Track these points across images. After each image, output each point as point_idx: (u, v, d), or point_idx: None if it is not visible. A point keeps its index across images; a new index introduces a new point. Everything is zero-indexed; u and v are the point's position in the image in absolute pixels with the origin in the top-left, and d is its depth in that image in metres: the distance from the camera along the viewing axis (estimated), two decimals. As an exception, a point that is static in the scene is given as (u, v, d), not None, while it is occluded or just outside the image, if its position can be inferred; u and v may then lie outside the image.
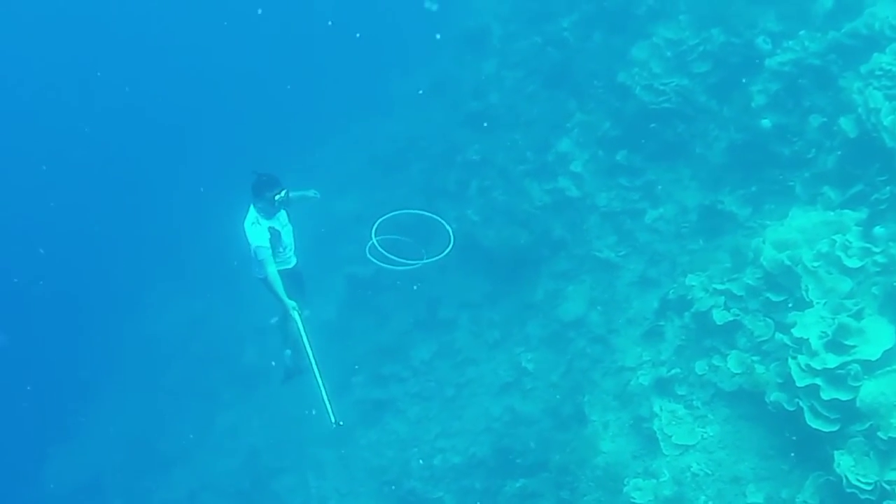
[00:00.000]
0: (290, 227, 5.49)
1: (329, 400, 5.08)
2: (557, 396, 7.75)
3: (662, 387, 6.36)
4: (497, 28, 9.79)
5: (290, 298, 5.32)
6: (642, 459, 6.21)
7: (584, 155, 7.92)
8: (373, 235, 5.46)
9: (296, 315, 5.20)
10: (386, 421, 8.83)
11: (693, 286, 6.44)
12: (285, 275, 5.40)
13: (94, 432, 12.75)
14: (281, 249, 5.36)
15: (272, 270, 5.13)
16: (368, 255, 5.65)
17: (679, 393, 6.23)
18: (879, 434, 4.54)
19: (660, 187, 7.57)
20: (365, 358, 9.15)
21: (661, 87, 7.21)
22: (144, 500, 10.41)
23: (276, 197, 4.97)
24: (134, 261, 16.65)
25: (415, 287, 8.82)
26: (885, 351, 4.81)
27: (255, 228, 5.11)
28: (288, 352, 6.02)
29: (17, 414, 13.99)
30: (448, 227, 5.83)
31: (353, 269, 9.57)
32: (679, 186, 7.49)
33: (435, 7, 11.10)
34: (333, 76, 18.28)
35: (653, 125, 7.46)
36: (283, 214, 5.38)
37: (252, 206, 5.15)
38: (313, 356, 5.09)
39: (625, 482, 5.94)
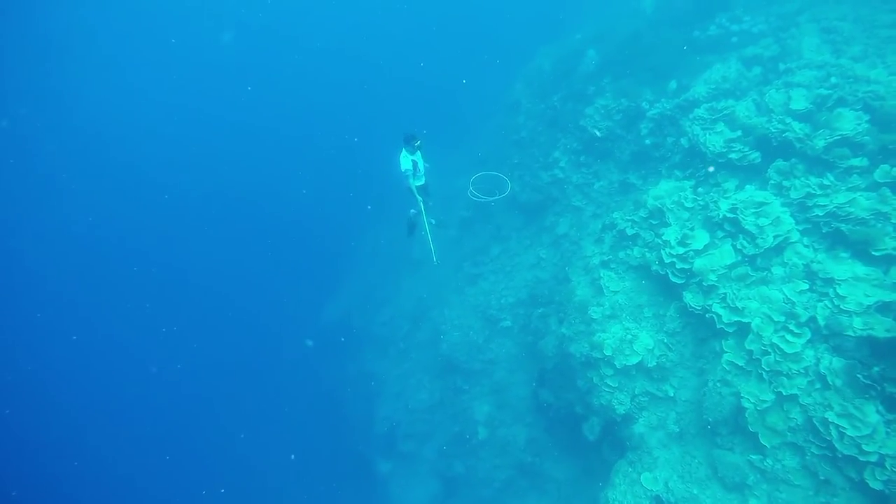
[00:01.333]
0: (423, 162, 8.42)
1: (434, 250, 8.66)
2: (556, 269, 12.47)
3: (604, 264, 9.87)
4: (524, 101, 15.31)
5: (423, 197, 8.54)
6: (596, 298, 9.52)
7: (565, 158, 13.15)
8: (471, 186, 9.35)
9: (421, 205, 8.39)
10: (479, 284, 14.82)
11: (616, 218, 10.14)
12: (420, 188, 8.58)
13: (345, 291, 20.93)
14: (417, 173, 8.34)
15: (411, 183, 8.21)
16: (470, 194, 9.51)
17: (612, 266, 9.69)
18: (703, 283, 7.72)
19: (600, 172, 12.65)
20: (469, 253, 15.37)
21: (600, 127, 12.41)
22: (368, 322, 18.41)
23: (416, 143, 8.06)
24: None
25: (491, 222, 15.44)
26: (705, 244, 8.01)
27: (404, 160, 8.09)
28: (413, 211, 8.97)
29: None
30: (509, 182, 10.95)
31: (464, 213, 16.38)
32: (608, 171, 12.42)
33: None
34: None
35: (596, 144, 12.61)
36: (419, 155, 8.34)
37: (403, 149, 8.13)
38: (428, 225, 8.57)
39: (588, 309, 9.40)
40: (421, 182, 8.61)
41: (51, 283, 29.61)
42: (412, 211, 9.09)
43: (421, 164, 8.39)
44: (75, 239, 31.34)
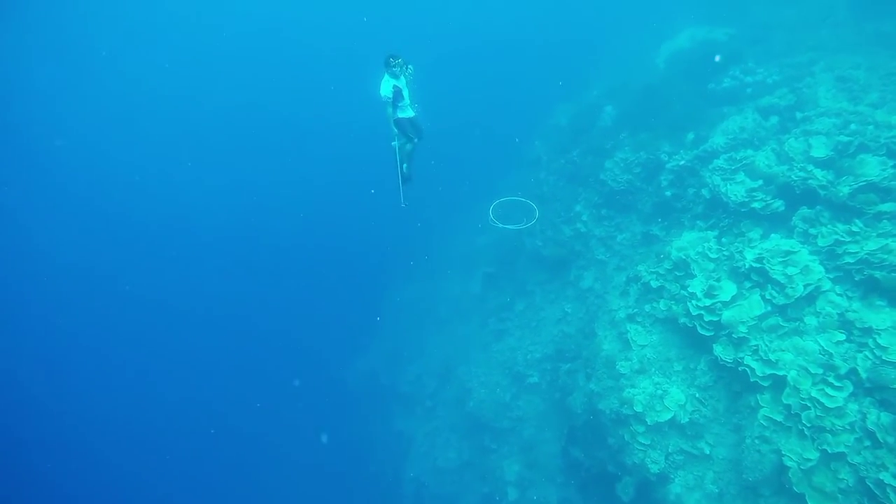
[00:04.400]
0: (408, 90, 7.20)
1: (402, 189, 7.58)
2: (582, 323, 12.06)
3: (630, 318, 9.66)
4: (544, 156, 15.66)
5: (408, 136, 7.47)
6: (623, 352, 9.29)
7: (587, 212, 13.13)
8: (490, 212, 9.27)
9: (397, 144, 7.40)
10: (504, 340, 14.50)
11: (640, 270, 9.98)
12: (406, 120, 7.41)
13: (372, 349, 20.96)
14: (401, 101, 7.17)
15: (388, 111, 7.09)
16: (490, 221, 9.35)
17: (638, 320, 9.49)
18: (733, 335, 7.47)
19: (622, 224, 12.36)
20: (494, 309, 15.29)
21: (619, 180, 12.31)
22: (395, 380, 18.21)
23: (396, 63, 6.78)
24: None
25: (515, 277, 15.31)
26: (733, 295, 7.84)
27: (384, 84, 6.93)
28: (395, 144, 7.58)
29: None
30: (536, 209, 10.93)
31: (488, 269, 16.43)
32: (631, 224, 12.14)
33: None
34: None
35: (617, 197, 12.47)
36: (403, 80, 7.11)
37: (385, 73, 6.93)
38: (400, 161, 7.48)
39: (616, 363, 9.14)
40: (408, 114, 7.41)
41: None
42: (392, 143, 7.69)
43: (407, 92, 7.23)
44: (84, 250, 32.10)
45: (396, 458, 16.05)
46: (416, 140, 7.75)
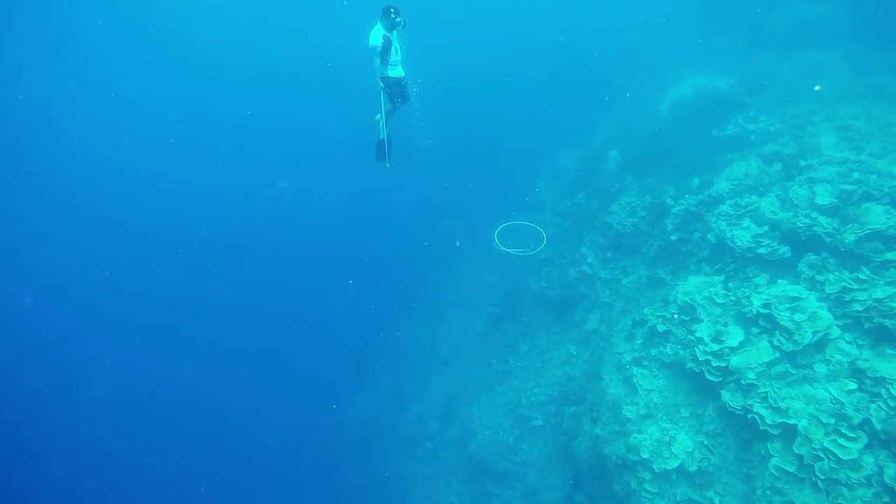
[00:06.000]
0: (401, 47, 6.90)
1: (388, 149, 7.11)
2: (587, 366, 11.84)
3: (636, 362, 9.62)
4: (549, 198, 15.86)
5: (393, 100, 7.06)
6: (629, 397, 9.16)
7: (592, 254, 13.16)
8: (496, 237, 9.01)
9: (384, 104, 6.98)
10: (508, 381, 14.19)
11: (647, 314, 9.91)
12: (394, 81, 7.00)
13: (373, 388, 20.61)
14: (392, 57, 6.85)
15: (376, 62, 6.74)
16: (495, 245, 9.21)
17: (644, 364, 9.43)
18: (741, 381, 7.37)
19: (628, 268, 12.37)
20: (497, 350, 15.11)
21: (625, 223, 12.47)
22: (396, 421, 17.66)
23: (395, 18, 6.55)
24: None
25: (520, 319, 15.31)
26: (740, 342, 7.78)
27: (375, 32, 6.67)
28: (379, 117, 7.21)
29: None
30: (544, 234, 10.91)
31: (492, 310, 16.37)
32: (636, 267, 12.15)
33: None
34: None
35: (622, 240, 12.51)
36: (396, 35, 6.85)
37: (378, 22, 6.68)
38: (381, 129, 7.09)
39: (622, 408, 9.00)
40: (398, 73, 7.06)
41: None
42: (377, 116, 7.27)
43: (399, 48, 6.92)
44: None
45: (395, 501, 15.54)
46: (399, 105, 7.28)
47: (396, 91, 7.09)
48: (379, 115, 7.15)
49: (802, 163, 10.18)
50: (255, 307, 29.30)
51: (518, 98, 32.67)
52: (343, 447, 19.13)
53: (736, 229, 9.43)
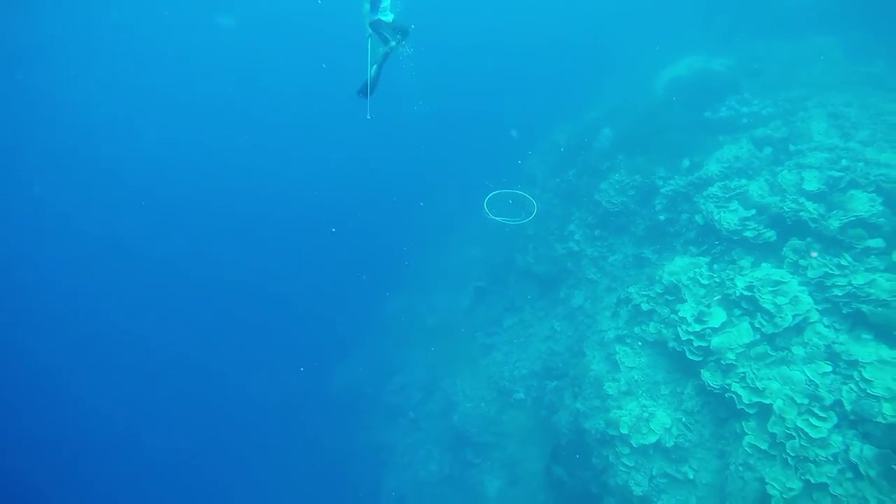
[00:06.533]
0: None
1: (372, 88, 6.93)
2: (571, 342, 12.05)
3: (619, 339, 9.73)
4: (539, 175, 15.79)
5: (385, 38, 6.98)
6: (611, 373, 9.33)
7: (580, 231, 13.22)
8: (485, 204, 8.56)
9: (373, 42, 6.86)
10: (492, 354, 14.39)
11: (632, 292, 10.01)
12: (385, 24, 7.01)
13: (356, 357, 20.66)
14: (381, 3, 6.88)
15: (366, 8, 6.79)
16: (485, 213, 9.02)
17: (627, 342, 9.54)
18: (721, 362, 7.54)
19: (615, 246, 12.43)
20: (483, 324, 15.26)
21: (614, 201, 12.45)
22: (379, 391, 17.99)
23: None
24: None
25: (505, 293, 15.46)
26: (722, 322, 7.89)
27: None
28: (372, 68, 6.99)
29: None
30: (534, 202, 10.66)
31: (478, 283, 16.44)
32: (623, 245, 12.25)
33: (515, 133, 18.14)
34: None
35: (610, 218, 12.56)
36: None
37: None
38: (371, 63, 6.87)
39: (603, 384, 9.19)
40: (387, 18, 6.96)
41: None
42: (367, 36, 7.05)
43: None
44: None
45: (377, 469, 15.83)
46: (393, 43, 7.03)
47: (388, 31, 6.93)
48: (374, 66, 6.94)
49: (792, 148, 10.22)
50: (240, 275, 29.17)
51: (515, 70, 32.15)
52: (326, 416, 19.31)
53: (724, 212, 9.49)
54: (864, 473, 6.12)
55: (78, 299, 29.80)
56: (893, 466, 5.95)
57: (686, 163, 11.75)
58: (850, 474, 6.26)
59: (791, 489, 6.43)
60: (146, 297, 28.96)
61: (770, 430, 6.85)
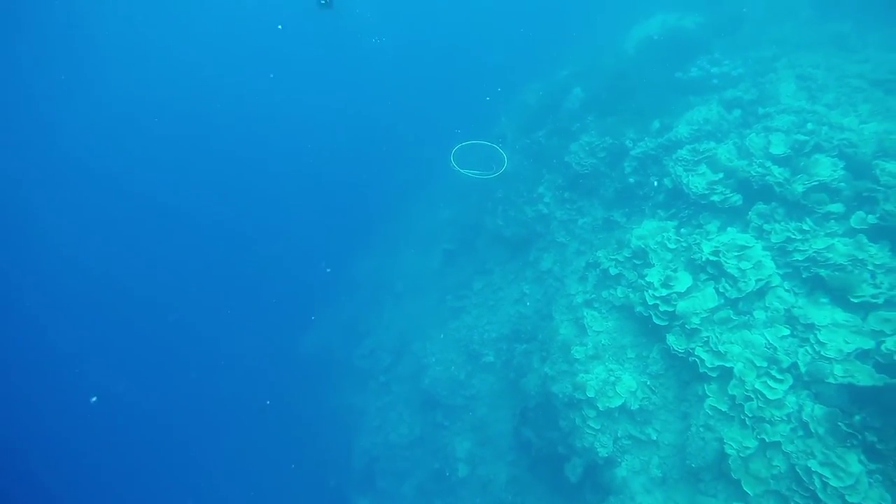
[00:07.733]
0: None
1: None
2: (540, 305, 12.08)
3: (587, 303, 9.76)
4: (509, 134, 15.39)
5: None
6: (579, 338, 9.39)
7: (550, 194, 13.14)
8: (452, 158, 8.23)
9: None
10: (461, 317, 14.47)
11: (600, 256, 10.04)
12: None
13: (325, 322, 20.61)
14: None
15: None
16: (451, 166, 8.65)
17: (595, 306, 9.59)
18: (686, 326, 7.69)
19: (584, 209, 12.46)
20: (453, 287, 15.21)
21: (583, 163, 12.36)
22: (349, 355, 18.02)
23: None
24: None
25: (475, 256, 15.46)
26: (688, 287, 7.98)
27: None
28: None
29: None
30: (504, 155, 9.62)
31: (447, 246, 16.38)
32: (593, 208, 12.24)
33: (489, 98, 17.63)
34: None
35: (580, 181, 12.51)
36: None
37: None
38: None
39: (571, 348, 9.24)
40: None
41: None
42: None
43: None
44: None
45: (347, 432, 15.97)
46: None
47: None
48: None
49: (761, 110, 10.18)
50: (208, 239, 28.43)
51: (484, 28, 31.07)
52: (295, 380, 19.27)
53: (692, 175, 9.47)
54: (813, 431, 6.37)
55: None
56: (839, 423, 6.20)
57: (656, 124, 11.63)
58: (801, 432, 6.52)
59: (747, 448, 6.68)
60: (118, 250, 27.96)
61: (730, 393, 7.03)
